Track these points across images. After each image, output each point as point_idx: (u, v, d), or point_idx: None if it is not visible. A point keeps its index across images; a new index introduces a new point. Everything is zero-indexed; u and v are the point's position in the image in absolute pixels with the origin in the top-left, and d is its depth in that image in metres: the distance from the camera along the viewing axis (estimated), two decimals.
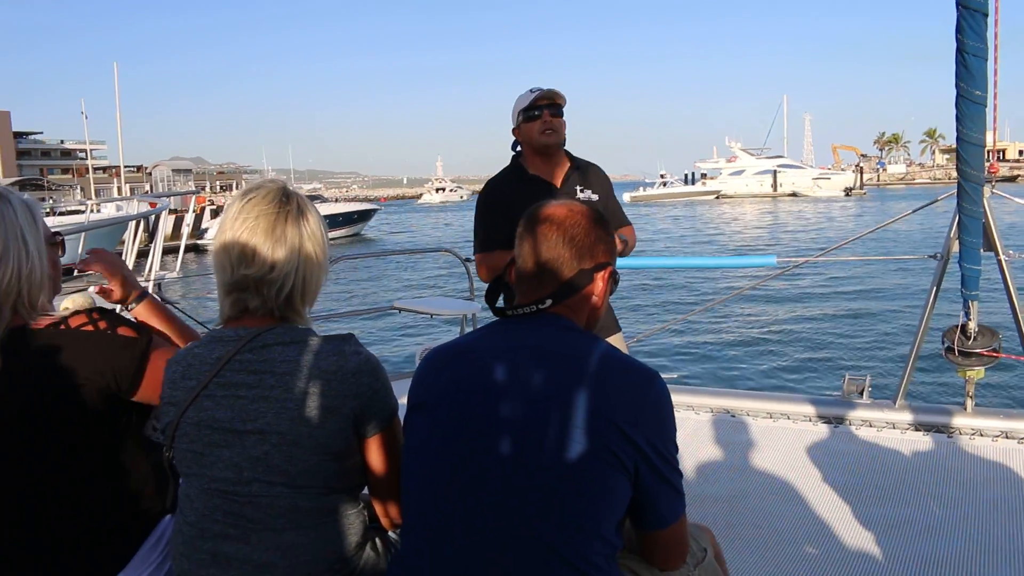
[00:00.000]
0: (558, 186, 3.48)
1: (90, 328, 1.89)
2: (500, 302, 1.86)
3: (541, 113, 3.42)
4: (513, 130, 3.54)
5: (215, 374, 1.72)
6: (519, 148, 3.60)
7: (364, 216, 51.27)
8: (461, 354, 1.71)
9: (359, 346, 1.76)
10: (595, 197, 3.51)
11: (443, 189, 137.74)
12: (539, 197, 3.28)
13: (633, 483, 1.55)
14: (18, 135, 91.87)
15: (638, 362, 1.63)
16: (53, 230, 2.09)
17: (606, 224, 1.78)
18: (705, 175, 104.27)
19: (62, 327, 1.89)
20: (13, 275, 1.85)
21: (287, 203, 1.77)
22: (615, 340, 3.59)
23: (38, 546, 1.90)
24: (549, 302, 1.68)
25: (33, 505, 1.88)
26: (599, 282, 1.73)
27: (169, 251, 12.97)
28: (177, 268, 11.55)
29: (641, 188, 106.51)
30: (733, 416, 4.93)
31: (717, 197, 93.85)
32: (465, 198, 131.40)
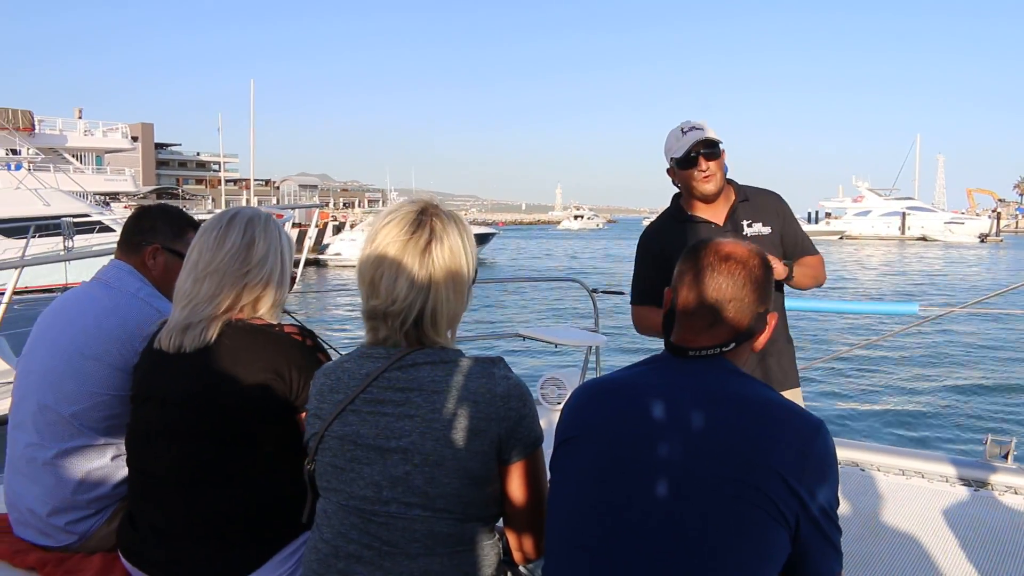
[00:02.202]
0: (721, 224, 3.21)
1: (298, 338, 2.07)
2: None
3: (696, 159, 3.13)
4: (668, 171, 3.29)
5: (362, 389, 1.72)
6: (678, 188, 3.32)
7: (482, 240, 51.72)
8: (618, 391, 1.65)
9: (508, 370, 1.74)
10: (766, 230, 3.23)
11: (581, 216, 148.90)
12: (698, 236, 3.01)
13: (792, 538, 1.47)
14: (159, 146, 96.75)
15: (804, 410, 1.55)
16: None
17: (771, 269, 1.73)
18: (829, 214, 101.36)
19: (275, 328, 2.07)
20: (263, 278, 2.09)
21: (419, 229, 1.74)
22: (793, 395, 3.30)
23: (179, 525, 2.01)
24: (733, 345, 1.62)
25: (189, 482, 2.01)
26: (768, 326, 1.68)
27: (303, 264, 13.32)
28: (296, 281, 11.84)
29: None
30: (863, 470, 4.69)
31: (841, 238, 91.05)
32: (601, 226, 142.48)
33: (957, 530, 3.88)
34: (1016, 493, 4.28)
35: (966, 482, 4.43)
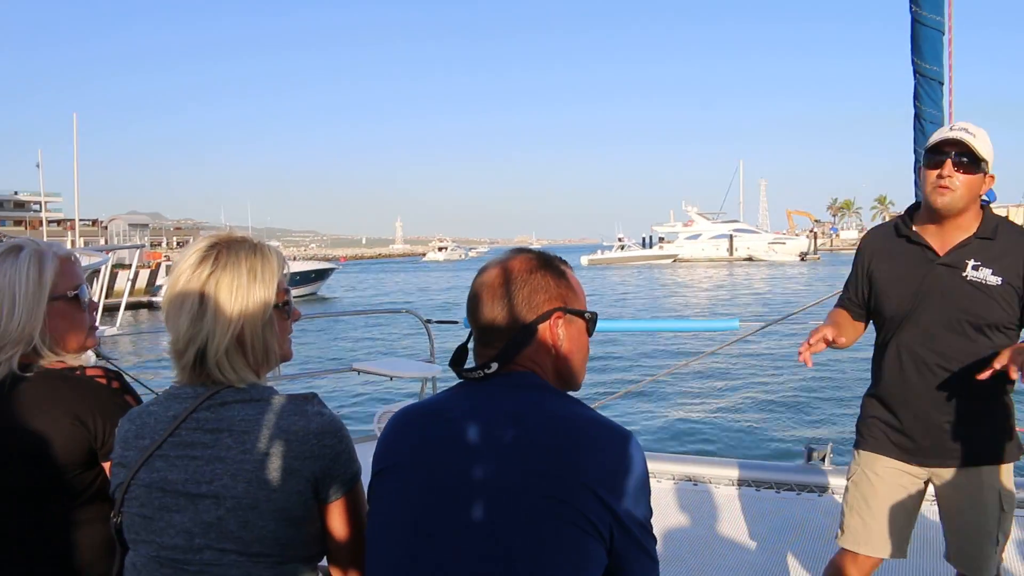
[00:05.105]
0: (940, 255, 2.64)
1: (102, 381, 1.93)
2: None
3: (943, 161, 2.58)
4: (917, 169, 2.82)
5: (169, 433, 1.63)
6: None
7: (321, 275, 51.14)
8: (427, 415, 1.64)
9: (322, 406, 1.69)
10: (994, 280, 2.57)
11: (445, 248, 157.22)
12: (907, 259, 2.68)
13: (608, 550, 1.47)
14: None
15: (611, 422, 1.56)
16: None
17: (549, 267, 1.68)
18: (663, 239, 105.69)
19: (76, 372, 1.92)
20: None
21: (203, 262, 1.67)
22: (1007, 472, 2.67)
23: None
24: (495, 366, 1.61)
25: None
26: (547, 332, 1.64)
27: (126, 307, 12.70)
28: (117, 324, 11.16)
29: (599, 251, 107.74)
30: (695, 484, 4.87)
31: (674, 261, 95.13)
32: (465, 256, 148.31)
33: (785, 533, 4.08)
34: (834, 493, 4.56)
35: (790, 487, 4.68)
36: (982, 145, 2.57)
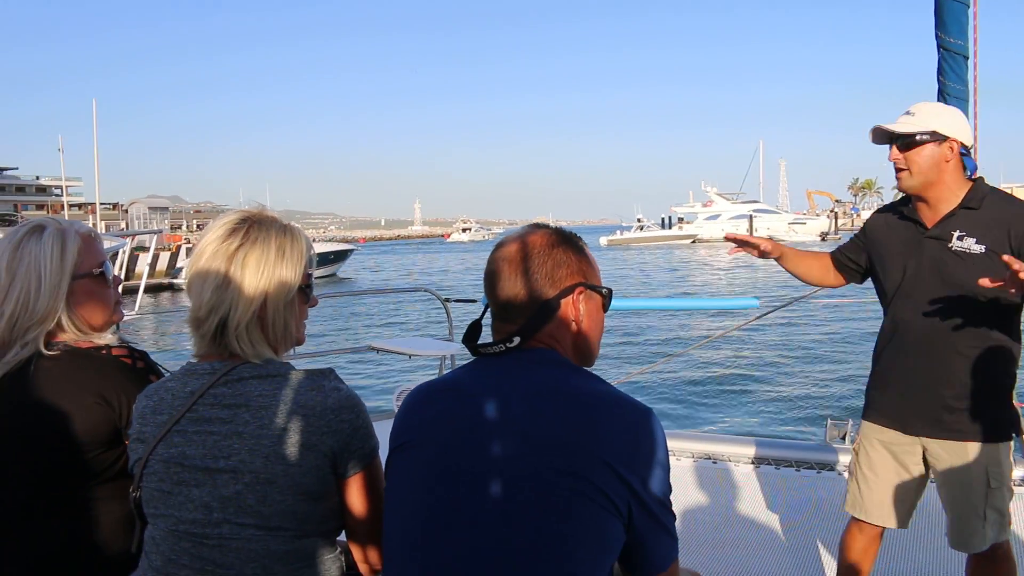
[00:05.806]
0: (928, 227, 2.67)
1: (127, 361, 1.95)
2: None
3: (890, 150, 2.68)
4: None
5: (187, 409, 1.64)
6: None
7: (340, 256, 51.30)
8: (445, 391, 1.64)
9: (339, 381, 1.69)
10: (978, 249, 2.55)
11: (468, 229, 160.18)
12: (900, 234, 2.76)
13: (626, 526, 1.47)
14: None
15: (630, 398, 1.55)
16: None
17: (568, 242, 1.68)
18: (682, 219, 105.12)
19: (102, 351, 1.94)
20: (19, 306, 1.89)
21: (232, 235, 1.69)
22: (1000, 448, 2.63)
23: (9, 568, 1.87)
24: (517, 340, 1.60)
25: (15, 522, 1.87)
26: (570, 308, 1.64)
27: (146, 289, 12.76)
28: (136, 308, 11.11)
29: (618, 232, 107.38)
30: (715, 462, 4.86)
31: (693, 241, 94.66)
32: (488, 237, 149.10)
33: (804, 511, 4.07)
34: None
35: (809, 465, 4.66)
36: (921, 120, 2.62)
